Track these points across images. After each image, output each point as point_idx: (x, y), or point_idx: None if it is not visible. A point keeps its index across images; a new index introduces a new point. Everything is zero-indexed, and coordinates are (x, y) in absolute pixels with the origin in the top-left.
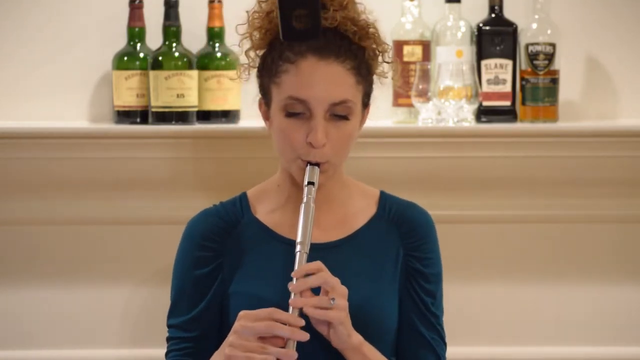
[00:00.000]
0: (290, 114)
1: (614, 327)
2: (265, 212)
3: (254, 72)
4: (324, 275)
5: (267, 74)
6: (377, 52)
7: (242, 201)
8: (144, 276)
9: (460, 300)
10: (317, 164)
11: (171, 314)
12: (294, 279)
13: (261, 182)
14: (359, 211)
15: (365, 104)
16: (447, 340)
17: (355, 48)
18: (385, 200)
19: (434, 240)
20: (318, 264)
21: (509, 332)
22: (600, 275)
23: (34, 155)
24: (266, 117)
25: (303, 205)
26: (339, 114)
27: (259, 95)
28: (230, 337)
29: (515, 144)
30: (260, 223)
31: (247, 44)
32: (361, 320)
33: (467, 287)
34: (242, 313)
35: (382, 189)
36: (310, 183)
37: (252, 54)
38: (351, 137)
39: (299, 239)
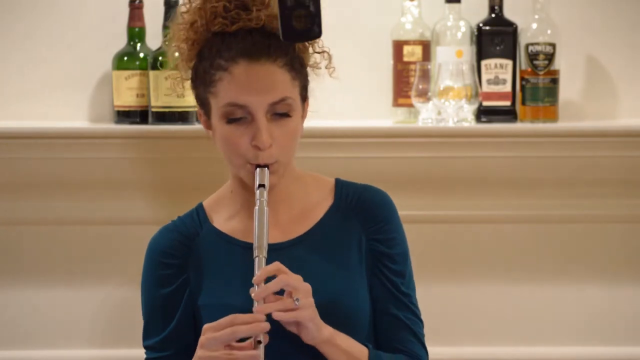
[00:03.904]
0: (231, 120)
1: (614, 327)
2: (222, 220)
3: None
4: (284, 278)
5: (202, 85)
6: (307, 44)
7: (199, 212)
8: None
9: (460, 300)
10: (266, 166)
11: (145, 335)
12: (255, 286)
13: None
14: (317, 203)
15: (304, 98)
16: (445, 337)
17: (285, 44)
18: (342, 188)
19: (395, 220)
20: (277, 264)
21: (508, 332)
22: (600, 275)
23: (34, 155)
24: (207, 126)
25: (256, 209)
26: (279, 112)
27: (197, 107)
28: (199, 352)
29: (515, 144)
30: (219, 232)
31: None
32: (334, 313)
33: (467, 287)
34: (206, 326)
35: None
36: (261, 185)
37: (183, 65)
38: (296, 132)
39: (255, 244)
